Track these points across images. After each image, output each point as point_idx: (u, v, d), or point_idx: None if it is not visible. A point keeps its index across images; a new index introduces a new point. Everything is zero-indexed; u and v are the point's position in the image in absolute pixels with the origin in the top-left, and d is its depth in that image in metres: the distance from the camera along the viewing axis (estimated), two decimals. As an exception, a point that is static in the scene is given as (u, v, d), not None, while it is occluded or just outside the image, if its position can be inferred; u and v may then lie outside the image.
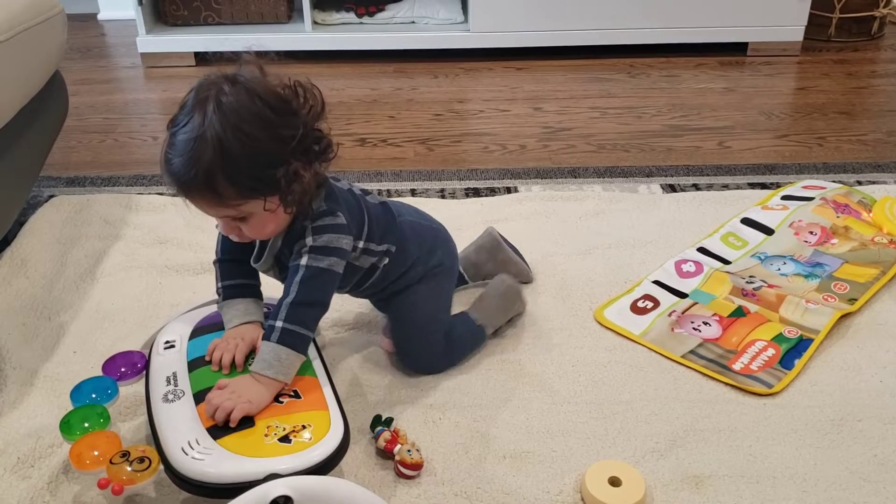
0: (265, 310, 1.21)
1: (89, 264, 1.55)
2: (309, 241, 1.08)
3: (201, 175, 0.99)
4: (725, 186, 1.81)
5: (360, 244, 1.16)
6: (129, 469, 0.99)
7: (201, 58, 2.57)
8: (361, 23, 2.63)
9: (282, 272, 1.15)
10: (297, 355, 1.07)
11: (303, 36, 2.57)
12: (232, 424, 1.01)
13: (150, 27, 2.57)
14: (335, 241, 1.09)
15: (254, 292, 1.21)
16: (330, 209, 1.10)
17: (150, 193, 1.80)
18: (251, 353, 1.12)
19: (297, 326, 1.07)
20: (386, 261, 1.21)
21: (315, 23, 2.60)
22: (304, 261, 1.08)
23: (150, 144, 2.10)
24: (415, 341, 1.26)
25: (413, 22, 2.64)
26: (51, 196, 1.78)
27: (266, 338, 1.07)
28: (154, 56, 2.57)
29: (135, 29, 2.59)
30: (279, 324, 1.07)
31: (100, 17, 3.03)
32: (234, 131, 0.98)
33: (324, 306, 1.12)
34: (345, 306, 1.40)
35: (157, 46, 2.56)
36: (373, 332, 1.36)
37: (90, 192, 1.82)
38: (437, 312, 1.27)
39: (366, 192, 1.23)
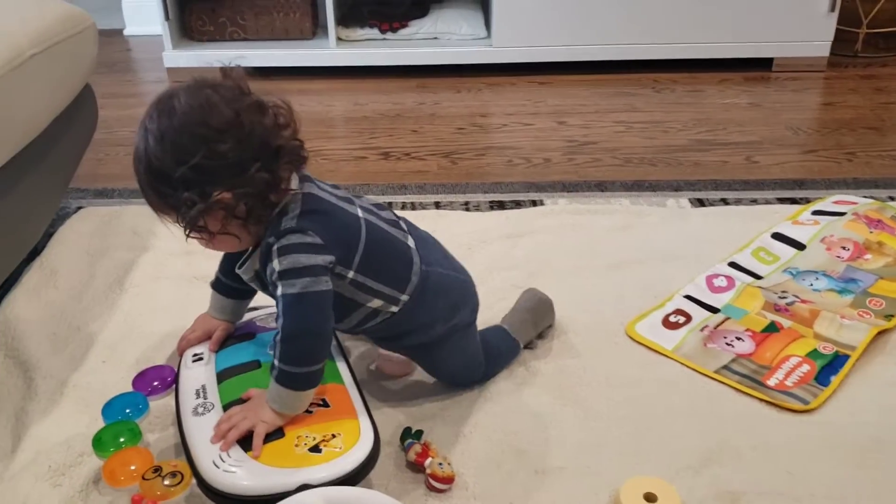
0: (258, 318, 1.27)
1: (118, 275, 1.55)
2: (275, 264, 1.01)
3: (136, 176, 1.04)
4: (754, 201, 1.79)
5: (350, 274, 1.06)
6: (162, 484, 0.99)
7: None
8: (385, 39, 2.64)
9: (263, 287, 1.11)
10: (300, 393, 1.03)
11: (327, 52, 2.59)
12: (255, 453, 0.99)
13: (177, 42, 2.60)
14: (303, 259, 1.01)
15: (241, 294, 1.23)
16: (298, 227, 1.02)
17: (177, 205, 1.80)
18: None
19: (291, 366, 1.02)
20: (394, 309, 1.11)
21: (339, 39, 2.61)
22: (279, 290, 1.01)
23: (177, 157, 2.11)
24: (455, 381, 1.25)
25: (436, 38, 2.65)
26: (79, 207, 1.79)
27: (270, 373, 1.05)
28: (180, 71, 2.59)
29: (160, 44, 2.62)
30: (276, 363, 1.03)
31: (126, 32, 3.07)
32: (147, 147, 1.00)
33: (317, 334, 1.04)
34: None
35: (182, 61, 2.59)
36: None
37: (118, 204, 1.83)
38: (470, 359, 1.23)
39: (396, 226, 1.14)
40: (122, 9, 3.04)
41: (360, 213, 1.10)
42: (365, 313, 1.11)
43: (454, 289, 1.18)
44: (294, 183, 1.06)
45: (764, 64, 2.59)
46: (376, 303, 1.10)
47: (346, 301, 1.08)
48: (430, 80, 2.58)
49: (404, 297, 1.11)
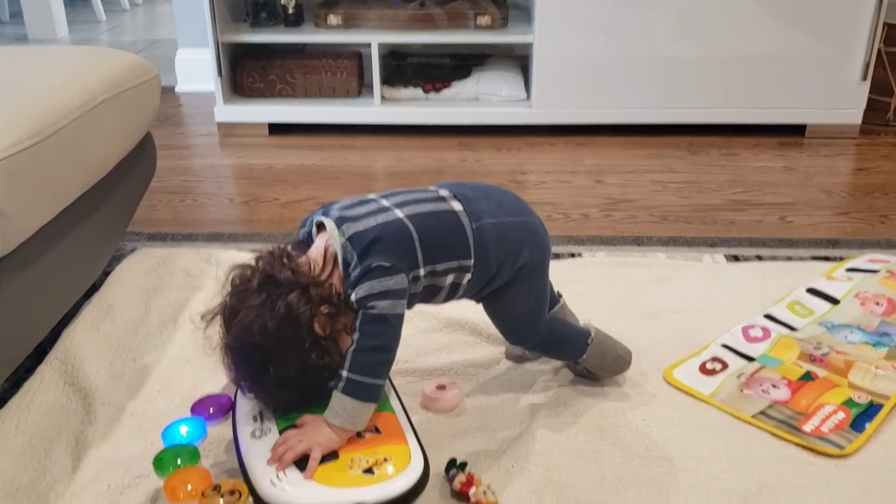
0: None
1: (172, 312, 1.62)
2: (352, 295, 1.10)
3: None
4: (789, 258, 1.83)
5: (422, 272, 1.15)
6: (221, 501, 1.03)
7: (274, 128, 2.70)
8: (427, 98, 2.74)
9: None
10: (363, 404, 1.09)
11: (372, 109, 2.69)
12: (307, 474, 1.03)
13: (227, 98, 2.71)
14: (376, 286, 1.09)
15: None
16: (365, 267, 1.10)
17: (228, 249, 1.88)
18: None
19: (359, 375, 1.09)
20: (468, 276, 1.19)
21: (384, 98, 2.72)
22: (360, 314, 1.10)
23: (227, 205, 2.20)
24: (510, 331, 1.32)
25: (477, 99, 2.74)
26: (134, 249, 1.87)
27: (335, 387, 1.10)
28: (229, 125, 2.71)
29: (210, 100, 2.74)
30: (343, 373, 1.09)
31: (177, 89, 3.20)
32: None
33: (386, 350, 1.12)
34: (417, 353, 1.44)
35: (232, 116, 2.70)
36: (441, 377, 1.38)
37: (170, 247, 1.91)
38: (532, 306, 1.28)
39: (437, 199, 1.20)
40: (175, 67, 3.19)
41: (399, 213, 1.16)
42: (448, 290, 1.20)
43: (511, 232, 1.23)
44: (332, 231, 1.13)
45: (797, 130, 2.65)
46: (450, 278, 1.19)
47: (429, 289, 1.18)
48: (471, 139, 2.66)
49: (471, 262, 1.19)
